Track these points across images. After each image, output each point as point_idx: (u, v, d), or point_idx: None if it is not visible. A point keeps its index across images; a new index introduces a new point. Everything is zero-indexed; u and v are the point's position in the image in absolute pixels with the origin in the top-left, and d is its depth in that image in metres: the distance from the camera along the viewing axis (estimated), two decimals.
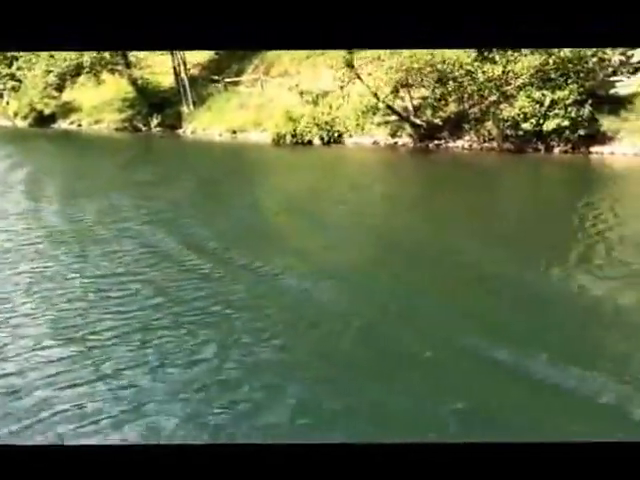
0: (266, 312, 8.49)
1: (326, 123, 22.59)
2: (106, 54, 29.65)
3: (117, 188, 17.19)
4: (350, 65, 20.99)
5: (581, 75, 18.88)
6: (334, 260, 10.63)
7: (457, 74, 19.75)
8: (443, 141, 22.22)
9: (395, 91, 21.62)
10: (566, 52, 18.35)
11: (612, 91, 18.02)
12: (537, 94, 18.99)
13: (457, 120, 22.09)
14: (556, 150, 19.67)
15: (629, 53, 18.52)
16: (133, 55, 31.67)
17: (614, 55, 18.39)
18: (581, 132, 19.22)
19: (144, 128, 31.39)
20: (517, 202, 16.15)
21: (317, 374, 6.77)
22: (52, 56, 29.91)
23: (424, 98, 22.22)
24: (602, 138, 19.21)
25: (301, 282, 9.27)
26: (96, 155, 25.09)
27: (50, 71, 29.92)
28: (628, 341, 7.41)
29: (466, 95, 20.97)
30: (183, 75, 31.48)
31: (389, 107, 22.20)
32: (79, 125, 34.03)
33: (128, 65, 31.63)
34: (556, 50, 18.06)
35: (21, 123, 35.24)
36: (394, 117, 23.22)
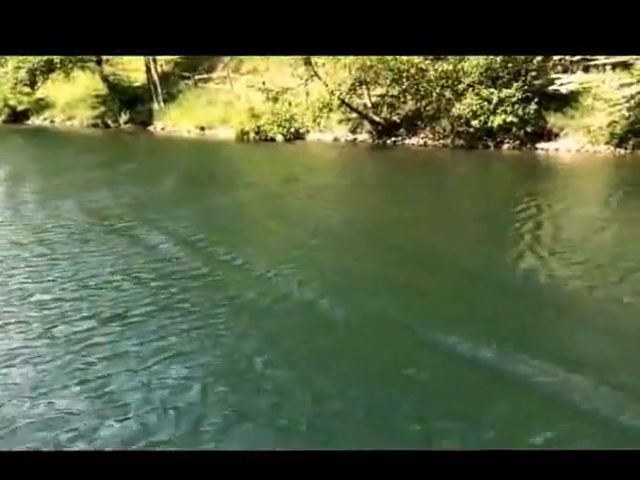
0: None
1: (285, 120, 23.34)
2: None
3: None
4: (308, 63, 21.74)
5: (527, 74, 19.68)
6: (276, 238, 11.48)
7: (410, 72, 20.50)
8: (400, 138, 23.03)
9: (353, 89, 22.38)
10: None
11: (555, 89, 18.77)
12: (485, 92, 19.81)
13: (413, 117, 22.91)
14: (505, 146, 20.51)
15: None
16: None
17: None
18: (528, 129, 20.07)
19: (115, 125, 32.03)
20: (461, 192, 17.09)
21: None
22: None
23: (381, 96, 23.01)
24: (548, 135, 20.07)
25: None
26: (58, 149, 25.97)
27: (20, 67, 30.47)
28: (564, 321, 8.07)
29: (422, 93, 21.75)
30: (154, 72, 32.11)
31: (347, 104, 22.98)
32: (52, 122, 34.63)
33: (99, 62, 32.23)
34: None
35: None
36: (355, 114, 24.01)
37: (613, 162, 18.44)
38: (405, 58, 20.29)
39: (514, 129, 20.02)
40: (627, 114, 17.47)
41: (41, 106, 35.04)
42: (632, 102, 16.92)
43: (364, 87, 22.72)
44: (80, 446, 5.40)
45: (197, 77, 32.45)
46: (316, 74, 22.03)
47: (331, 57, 21.34)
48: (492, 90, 19.76)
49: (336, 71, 21.72)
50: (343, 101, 22.79)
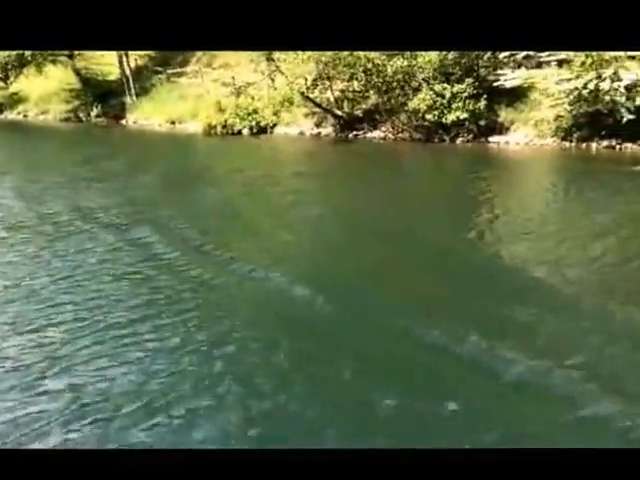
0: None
1: (248, 114, 24.22)
2: None
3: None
4: (270, 59, 22.62)
5: (478, 70, 20.68)
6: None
7: (367, 68, 21.44)
8: (362, 132, 23.98)
9: (315, 84, 23.28)
10: None
11: (500, 84, 19.77)
12: (439, 87, 20.78)
13: (374, 112, 23.86)
14: (459, 140, 21.50)
15: None
16: None
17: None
18: (482, 123, 21.08)
19: (88, 119, 32.76)
20: (415, 181, 18.25)
21: None
22: None
23: (342, 91, 23.93)
24: (500, 129, 21.10)
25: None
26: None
27: None
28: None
29: (381, 88, 22.69)
30: (126, 66, 32.85)
31: (309, 99, 23.88)
32: (25, 116, 35.31)
33: (70, 56, 32.91)
34: None
35: None
36: (320, 109, 24.92)
37: (559, 154, 19.52)
38: (362, 54, 21.20)
39: (467, 123, 21.01)
40: (569, 108, 18.48)
41: (15, 100, 35.73)
42: (571, 97, 17.93)
43: (327, 82, 23.59)
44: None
45: (170, 71, 33.20)
46: (278, 69, 22.91)
47: (292, 52, 22.20)
48: (445, 85, 20.74)
49: (297, 66, 22.58)
50: (307, 96, 23.67)
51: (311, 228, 12.98)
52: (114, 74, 34.59)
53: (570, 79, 17.56)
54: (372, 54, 21.44)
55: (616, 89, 16.66)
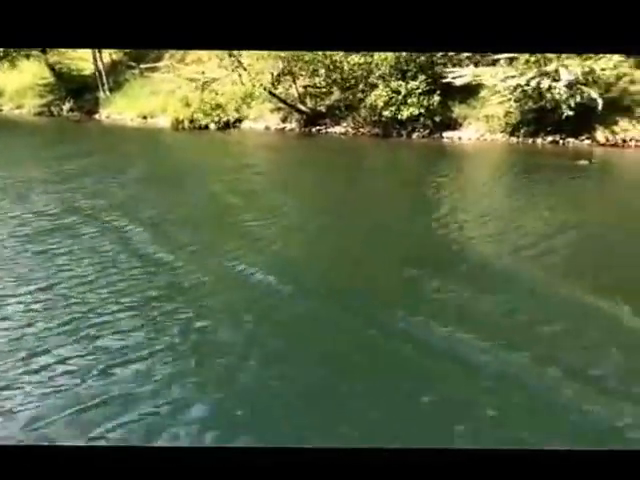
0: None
1: (212, 109, 25.03)
2: None
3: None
4: (232, 55, 23.44)
5: (432, 67, 21.58)
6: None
7: (325, 64, 22.30)
8: (324, 127, 24.86)
9: (278, 79, 24.12)
10: None
11: (449, 82, 20.67)
12: (394, 84, 21.68)
13: (336, 108, 24.74)
14: (415, 135, 22.42)
15: None
16: None
17: None
18: (436, 119, 22.00)
19: (62, 113, 33.45)
20: (369, 175, 19.21)
21: None
22: None
23: (305, 87, 24.78)
24: (453, 124, 22.03)
25: None
26: None
27: None
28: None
29: (341, 84, 23.57)
30: (100, 61, 33.56)
31: (273, 94, 24.72)
32: (0, 110, 35.93)
33: (44, 51, 33.55)
34: None
35: None
36: (285, 104, 25.78)
37: (507, 149, 20.49)
38: (320, 52, 22.04)
39: (423, 119, 21.91)
40: (515, 105, 19.41)
41: None
42: (516, 94, 18.85)
43: (289, 78, 24.43)
44: None
45: (143, 66, 33.90)
46: (240, 65, 23.74)
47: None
48: (400, 82, 21.64)
49: (258, 62, 23.42)
50: (270, 92, 24.50)
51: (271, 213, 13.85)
52: (89, 69, 35.29)
53: (514, 76, 18.47)
54: (330, 52, 22.27)
55: (554, 86, 17.55)
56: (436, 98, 21.44)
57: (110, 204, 14.51)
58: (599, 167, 18.43)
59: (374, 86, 22.56)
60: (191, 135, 25.75)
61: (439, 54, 21.39)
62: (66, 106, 32.74)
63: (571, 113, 18.41)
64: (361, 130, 23.82)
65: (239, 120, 26.52)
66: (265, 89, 23.93)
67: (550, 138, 19.90)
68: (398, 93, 21.77)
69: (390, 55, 21.58)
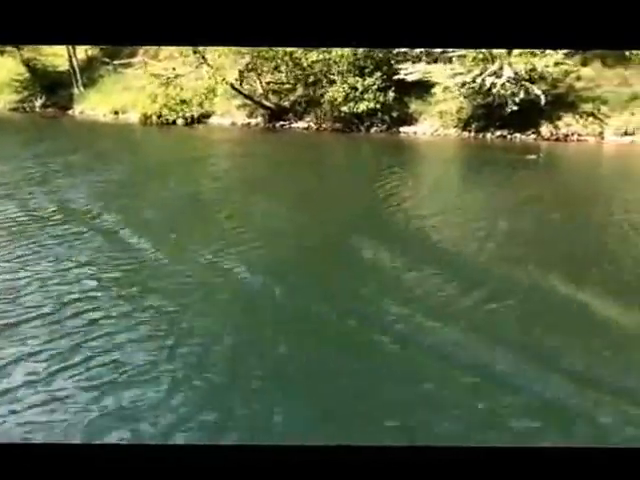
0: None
1: (176, 104, 25.77)
2: None
3: None
4: (196, 51, 24.17)
5: (389, 64, 22.38)
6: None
7: (285, 61, 23.07)
8: (288, 122, 25.64)
9: (241, 75, 24.88)
10: None
11: (403, 78, 21.47)
12: (352, 80, 22.47)
13: (299, 103, 25.51)
14: (373, 130, 23.23)
15: None
16: None
17: None
18: (394, 114, 22.81)
19: (36, 109, 34.09)
20: (325, 166, 20.07)
21: None
22: None
23: (268, 83, 25.54)
24: (410, 120, 22.87)
25: None
26: None
27: None
28: None
29: (305, 81, 24.35)
30: (74, 58, 34.20)
31: (236, 90, 25.49)
32: None
33: (18, 47, 34.12)
34: None
35: None
36: (249, 100, 26.53)
37: (459, 144, 21.37)
38: (281, 48, 22.79)
39: (380, 114, 22.71)
40: (464, 101, 20.23)
41: None
42: (463, 90, 19.67)
43: (253, 75, 25.18)
44: None
45: (117, 62, 34.55)
46: (205, 61, 24.48)
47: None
48: (357, 79, 22.42)
49: (221, 58, 24.15)
50: (235, 88, 25.26)
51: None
52: (64, 65, 35.91)
53: (462, 73, 19.28)
54: (290, 48, 23.01)
55: (497, 83, 18.37)
56: (391, 94, 22.24)
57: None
58: (547, 161, 19.29)
59: (334, 82, 23.34)
60: (158, 131, 26.49)
61: (395, 52, 22.19)
62: (39, 102, 33.38)
63: (516, 108, 19.24)
64: (323, 125, 24.61)
65: (207, 116, 27.29)
66: (227, 83, 24.66)
67: (498, 133, 20.76)
68: (355, 89, 22.56)
69: (348, 51, 22.36)
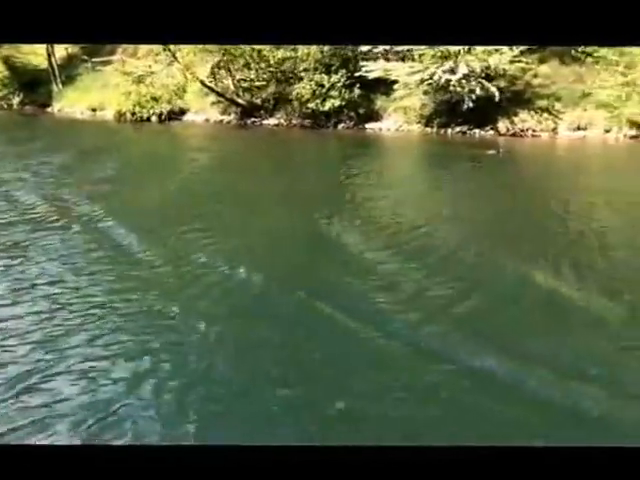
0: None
1: (147, 102, 26.41)
2: None
3: None
4: (167, 48, 24.83)
5: (355, 61, 23.07)
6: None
7: (254, 58, 23.74)
8: (259, 119, 26.32)
9: (212, 73, 25.54)
10: None
11: (364, 75, 22.15)
12: (318, 77, 23.16)
13: (270, 100, 26.19)
14: (340, 126, 23.92)
15: None
16: None
17: None
18: (360, 111, 23.51)
19: (15, 106, 34.69)
20: (291, 160, 20.78)
21: None
22: None
23: (238, 80, 26.22)
24: (375, 116, 23.58)
25: None
26: None
27: None
28: None
29: (274, 78, 25.02)
30: (53, 55, 34.82)
31: (207, 87, 26.15)
32: None
33: None
34: None
35: None
36: (228, 97, 27.19)
37: (421, 139, 22.12)
38: (248, 46, 23.46)
39: (346, 111, 23.41)
40: (425, 97, 20.94)
41: None
42: (422, 87, 20.38)
43: (223, 72, 25.84)
44: None
45: (96, 60, 35.19)
46: (175, 59, 25.14)
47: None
48: (324, 76, 23.11)
49: (190, 55, 24.82)
50: (205, 84, 25.91)
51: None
52: (44, 63, 36.51)
53: (419, 71, 19.98)
54: (259, 46, 23.67)
55: (452, 80, 19.09)
56: (357, 91, 22.94)
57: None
58: (506, 156, 20.01)
59: (301, 80, 24.01)
60: (131, 127, 27.15)
61: (358, 50, 22.87)
62: (21, 100, 34.01)
63: (472, 105, 19.96)
64: (293, 122, 25.29)
65: (182, 112, 27.95)
66: (196, 80, 25.32)
67: (458, 129, 21.48)
68: (322, 86, 23.25)
69: (314, 49, 23.05)
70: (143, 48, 34.45)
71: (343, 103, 23.14)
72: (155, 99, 26.30)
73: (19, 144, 21.99)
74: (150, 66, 29.87)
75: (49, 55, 35.35)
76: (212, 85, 26.40)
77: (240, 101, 26.72)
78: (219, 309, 9.18)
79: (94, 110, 32.05)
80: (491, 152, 19.49)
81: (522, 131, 20.71)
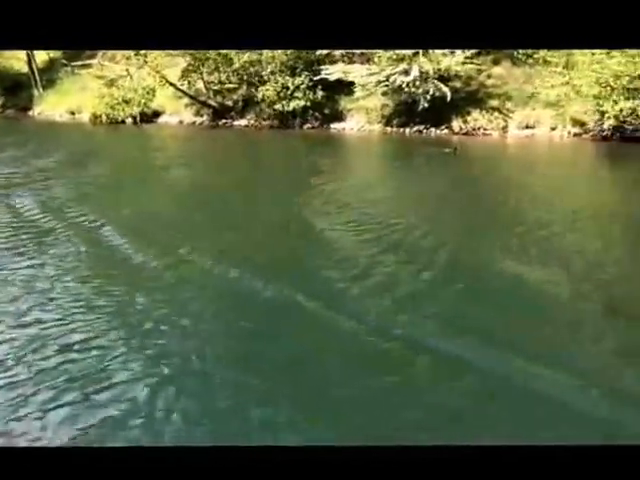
0: None
1: (118, 104, 27.42)
2: None
3: None
4: (137, 53, 25.88)
5: (319, 64, 24.10)
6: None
7: (219, 60, 24.79)
8: (231, 120, 27.35)
9: (184, 76, 26.57)
10: None
11: (324, 77, 23.17)
12: (282, 80, 24.18)
13: (240, 102, 27.23)
14: (306, 126, 24.95)
15: None
16: None
17: None
18: (326, 111, 24.55)
19: None
20: (254, 156, 21.79)
21: None
22: None
23: (209, 82, 27.24)
24: (339, 116, 24.62)
25: None
26: None
27: None
28: None
29: (244, 80, 26.04)
30: (33, 60, 35.83)
31: (178, 89, 27.17)
32: None
33: None
34: None
35: None
36: (200, 99, 28.22)
37: (381, 138, 23.17)
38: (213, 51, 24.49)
39: (311, 111, 24.44)
40: (383, 98, 21.98)
41: None
42: (379, 88, 21.42)
43: (194, 74, 26.86)
44: None
45: (76, 64, 36.19)
46: (146, 63, 26.16)
47: None
48: (288, 78, 24.14)
49: (159, 58, 25.84)
50: (177, 87, 26.93)
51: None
52: (26, 68, 37.51)
53: (376, 73, 21.03)
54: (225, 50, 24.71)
55: (405, 81, 20.14)
56: (320, 92, 23.97)
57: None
58: (462, 153, 21.05)
59: (267, 82, 25.05)
60: (105, 129, 28.17)
61: (318, 53, 23.90)
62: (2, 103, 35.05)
63: (427, 105, 21.00)
64: (262, 123, 26.33)
65: (157, 114, 28.99)
66: (165, 83, 26.33)
67: (415, 128, 22.53)
68: (287, 88, 24.28)
69: (279, 52, 24.09)
70: (122, 52, 35.56)
71: (308, 104, 24.18)
72: (126, 102, 27.32)
73: None
74: (127, 70, 30.93)
75: (29, 60, 36.37)
76: (184, 88, 27.43)
77: (212, 103, 27.77)
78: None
79: (73, 113, 33.08)
80: (447, 150, 20.49)
81: (474, 130, 21.76)
